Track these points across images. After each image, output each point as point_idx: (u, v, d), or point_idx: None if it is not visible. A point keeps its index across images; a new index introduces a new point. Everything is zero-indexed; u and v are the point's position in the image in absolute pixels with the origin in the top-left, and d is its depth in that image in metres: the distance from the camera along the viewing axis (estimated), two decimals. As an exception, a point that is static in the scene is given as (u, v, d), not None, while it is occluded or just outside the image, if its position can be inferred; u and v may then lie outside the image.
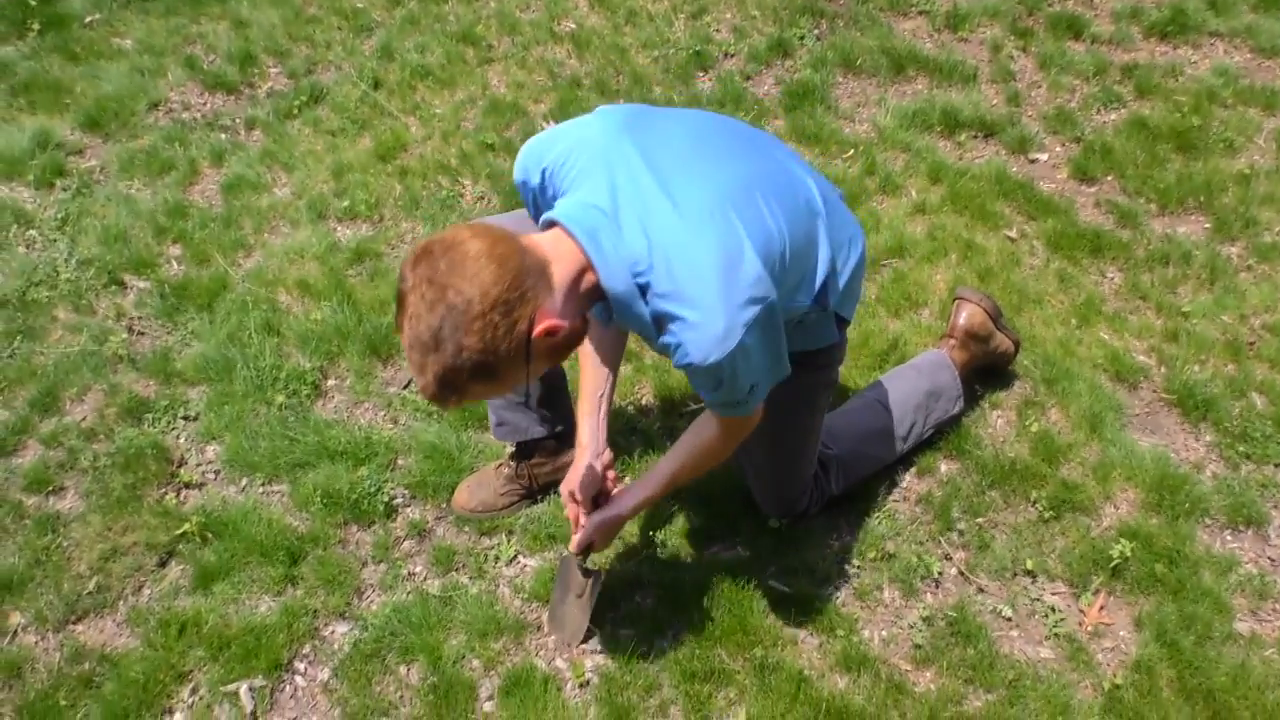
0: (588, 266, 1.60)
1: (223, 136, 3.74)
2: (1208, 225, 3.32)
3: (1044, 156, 3.63)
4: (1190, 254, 3.18)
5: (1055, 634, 2.26)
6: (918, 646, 2.24)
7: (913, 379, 2.54)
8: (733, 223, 1.62)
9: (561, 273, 1.56)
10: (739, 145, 1.82)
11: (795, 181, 1.83)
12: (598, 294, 1.64)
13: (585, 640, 2.24)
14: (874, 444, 2.48)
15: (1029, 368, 2.81)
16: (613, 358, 2.07)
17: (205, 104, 3.92)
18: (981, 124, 3.71)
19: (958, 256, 3.16)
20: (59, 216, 3.36)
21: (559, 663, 2.22)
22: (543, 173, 1.75)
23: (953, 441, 2.62)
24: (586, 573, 2.20)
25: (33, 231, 3.31)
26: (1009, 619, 2.30)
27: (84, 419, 2.74)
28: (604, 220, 1.61)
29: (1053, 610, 2.30)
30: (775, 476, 2.27)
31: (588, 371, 2.05)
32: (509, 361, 1.50)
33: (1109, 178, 3.51)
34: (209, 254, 3.22)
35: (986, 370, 2.76)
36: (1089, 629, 2.28)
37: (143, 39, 4.20)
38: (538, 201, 1.80)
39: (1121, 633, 2.27)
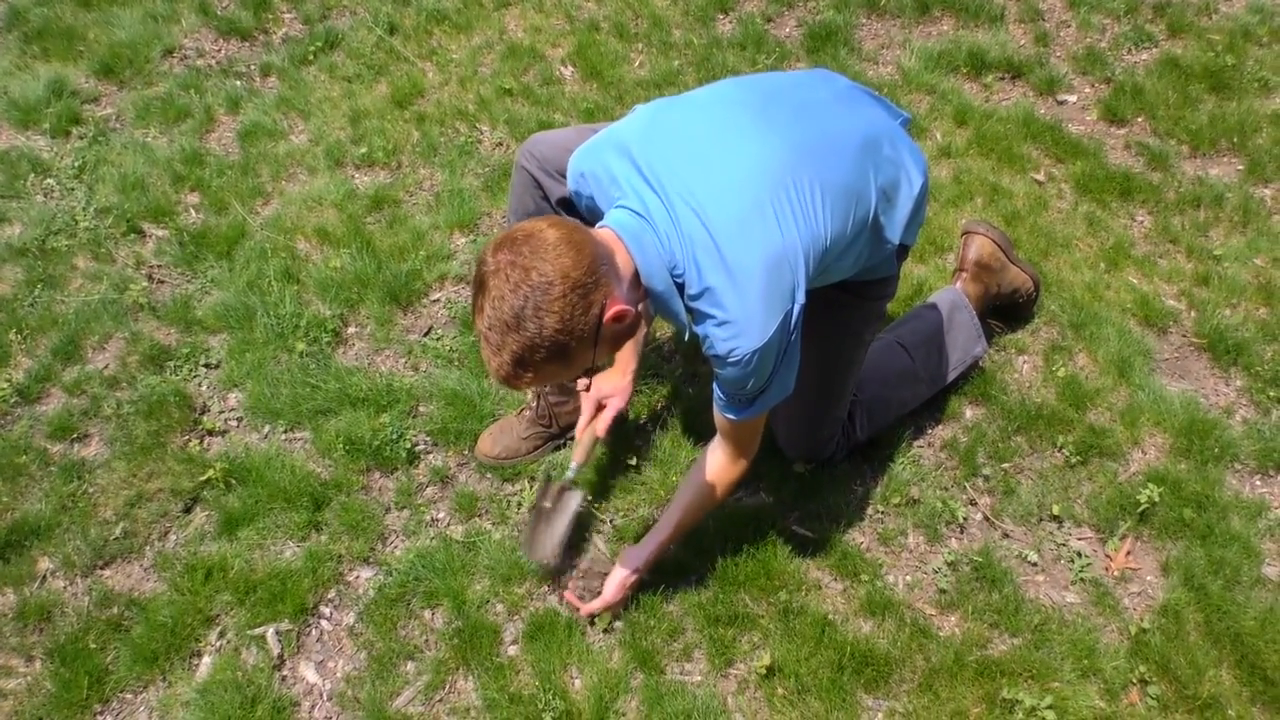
0: (636, 267, 1.69)
1: (238, 83, 3.70)
2: (1240, 167, 3.25)
3: (1073, 98, 3.55)
4: (1222, 196, 3.11)
5: (1081, 579, 2.25)
6: (942, 591, 2.24)
7: (928, 317, 2.53)
8: (760, 224, 1.67)
9: (623, 265, 1.66)
10: (771, 119, 1.79)
11: (837, 141, 1.81)
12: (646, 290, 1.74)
13: (558, 561, 2.22)
14: (896, 386, 2.47)
15: (1056, 313, 2.77)
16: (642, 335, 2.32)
17: (219, 50, 3.87)
18: (1009, 65, 3.63)
19: (984, 200, 3.10)
20: (76, 165, 3.34)
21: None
22: (590, 183, 1.83)
23: (978, 386, 2.59)
24: (565, 490, 2.23)
25: (50, 180, 3.29)
26: (1034, 564, 2.29)
27: (106, 367, 2.74)
28: (644, 225, 1.68)
29: (1079, 555, 2.29)
30: (814, 413, 2.26)
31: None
32: (581, 343, 1.58)
33: (1139, 119, 3.43)
34: (227, 202, 3.20)
35: (1007, 311, 2.73)
36: (1115, 574, 2.26)
37: (155, -16, 4.14)
38: (591, 209, 1.88)
39: (1148, 577, 2.26)
